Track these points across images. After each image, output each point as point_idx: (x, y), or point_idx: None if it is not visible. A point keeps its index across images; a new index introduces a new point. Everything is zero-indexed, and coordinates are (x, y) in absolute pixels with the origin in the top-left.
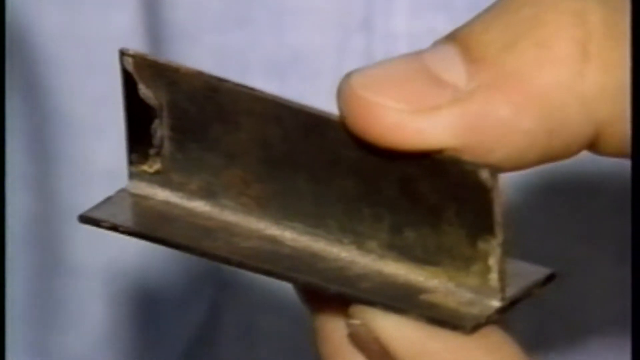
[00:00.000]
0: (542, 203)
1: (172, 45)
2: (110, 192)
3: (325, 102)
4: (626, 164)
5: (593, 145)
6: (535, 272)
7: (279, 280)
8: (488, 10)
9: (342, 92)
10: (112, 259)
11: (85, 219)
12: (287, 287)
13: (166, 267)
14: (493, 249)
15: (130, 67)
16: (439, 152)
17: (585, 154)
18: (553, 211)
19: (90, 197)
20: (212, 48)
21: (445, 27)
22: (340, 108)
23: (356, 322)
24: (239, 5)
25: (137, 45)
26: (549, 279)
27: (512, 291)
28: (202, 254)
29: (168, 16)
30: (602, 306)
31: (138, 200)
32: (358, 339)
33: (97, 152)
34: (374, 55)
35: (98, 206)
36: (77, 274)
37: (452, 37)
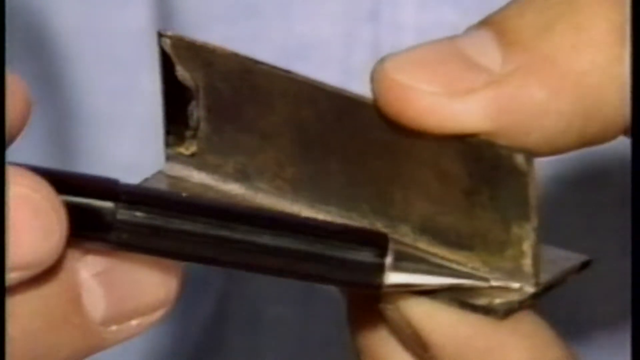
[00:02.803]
0: (548, 196)
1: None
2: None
3: None
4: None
5: (629, 129)
6: (570, 258)
7: None
8: None
9: (376, 76)
10: None
11: None
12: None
13: None
14: (527, 234)
15: (168, 48)
16: (473, 135)
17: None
18: (558, 204)
19: None
20: (221, 38)
21: (453, 19)
22: (374, 91)
23: (389, 305)
24: None
25: (150, 38)
26: (584, 265)
27: (546, 277)
28: None
29: (178, 7)
30: (607, 299)
31: (174, 182)
32: (391, 323)
33: (114, 146)
34: (382, 46)
35: None
36: None
37: (486, 22)
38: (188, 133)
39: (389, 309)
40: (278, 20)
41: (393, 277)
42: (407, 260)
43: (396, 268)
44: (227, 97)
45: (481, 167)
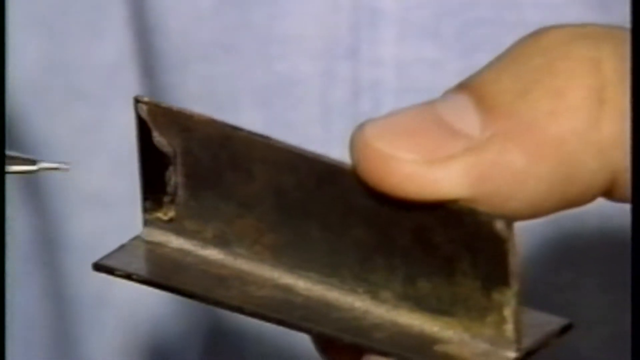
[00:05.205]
0: (528, 228)
1: (161, 74)
2: (96, 218)
3: (312, 130)
4: None
5: (608, 192)
6: (551, 322)
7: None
8: (499, 58)
9: (355, 143)
10: (103, 293)
11: (99, 267)
12: (278, 336)
13: (162, 315)
14: (508, 300)
15: (144, 114)
16: (454, 202)
17: None
18: (538, 237)
19: (79, 223)
20: (200, 76)
21: (433, 55)
22: (353, 159)
23: None
24: (226, 34)
25: (126, 73)
26: (565, 329)
27: (527, 342)
28: (215, 303)
29: (157, 45)
30: (588, 332)
31: (152, 248)
32: None
33: (82, 179)
34: (361, 82)
35: (112, 254)
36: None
37: (465, 86)
38: (166, 198)
39: None
40: (257, 59)
41: None
42: None
43: None
44: (205, 163)
45: (462, 233)
